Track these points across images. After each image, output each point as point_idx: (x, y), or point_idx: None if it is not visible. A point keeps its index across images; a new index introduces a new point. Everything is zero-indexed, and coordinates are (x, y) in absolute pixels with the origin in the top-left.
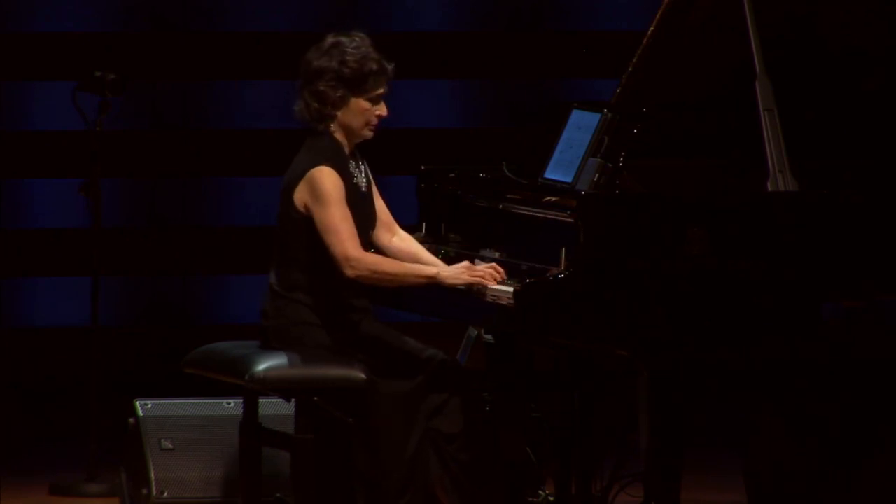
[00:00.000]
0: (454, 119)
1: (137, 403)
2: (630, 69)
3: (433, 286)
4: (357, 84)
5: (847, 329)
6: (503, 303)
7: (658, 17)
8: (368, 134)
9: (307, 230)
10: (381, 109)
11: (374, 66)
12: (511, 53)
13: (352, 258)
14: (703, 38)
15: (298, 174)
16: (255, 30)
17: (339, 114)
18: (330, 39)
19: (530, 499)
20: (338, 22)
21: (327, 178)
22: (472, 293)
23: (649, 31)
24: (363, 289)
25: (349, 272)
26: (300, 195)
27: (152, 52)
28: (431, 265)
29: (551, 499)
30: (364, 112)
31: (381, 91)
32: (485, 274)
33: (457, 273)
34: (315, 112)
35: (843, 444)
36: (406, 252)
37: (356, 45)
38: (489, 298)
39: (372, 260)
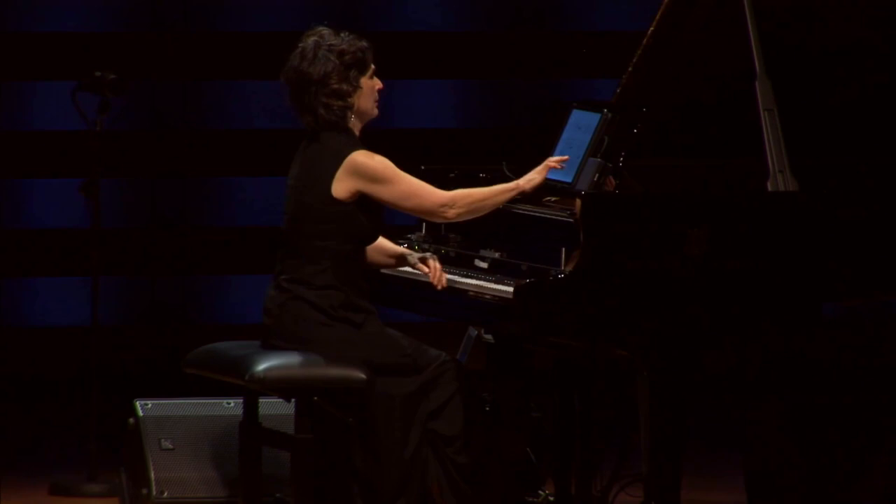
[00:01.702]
0: (454, 119)
1: (137, 403)
2: (630, 69)
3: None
4: (362, 65)
5: (847, 329)
6: (503, 302)
7: (658, 17)
8: (376, 111)
9: (337, 219)
10: (378, 82)
11: (363, 42)
12: (511, 53)
13: (445, 202)
14: (703, 38)
15: (331, 165)
16: (255, 30)
17: (354, 101)
18: (308, 45)
19: (530, 499)
20: (338, 22)
21: (371, 157)
22: (472, 293)
23: (649, 31)
24: (366, 289)
25: (450, 214)
26: (344, 184)
27: (152, 52)
28: (398, 247)
29: (551, 499)
30: (371, 90)
31: (373, 65)
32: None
33: (531, 177)
34: (339, 110)
35: (843, 443)
36: (374, 246)
37: (330, 35)
38: (489, 298)
39: (461, 194)
